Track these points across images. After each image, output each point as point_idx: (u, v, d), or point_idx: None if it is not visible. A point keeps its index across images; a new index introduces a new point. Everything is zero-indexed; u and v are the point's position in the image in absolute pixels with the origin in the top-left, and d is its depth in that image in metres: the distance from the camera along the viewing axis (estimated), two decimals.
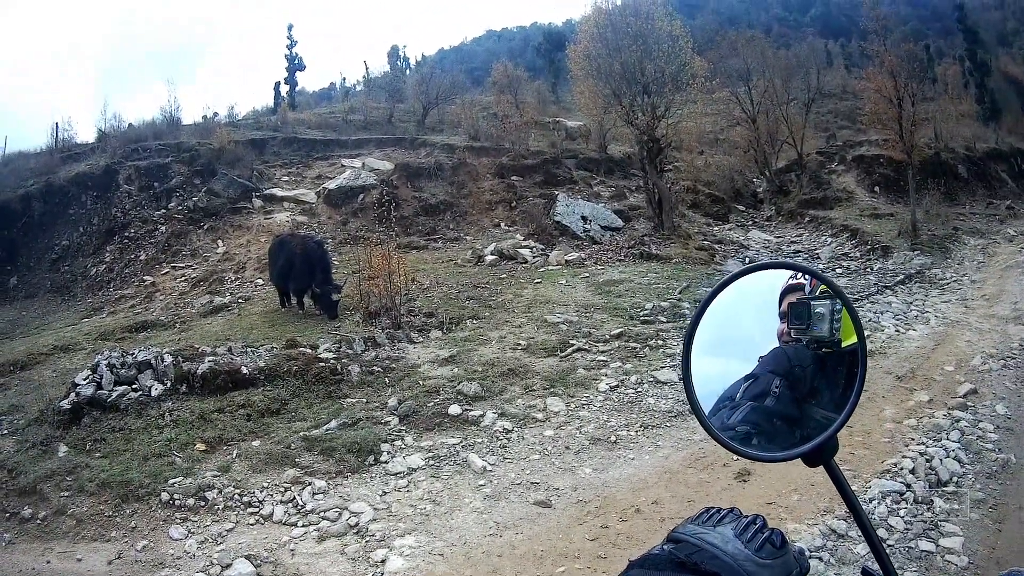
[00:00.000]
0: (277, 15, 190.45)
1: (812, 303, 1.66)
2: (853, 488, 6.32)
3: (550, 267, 16.53)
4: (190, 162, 22.72)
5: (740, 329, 1.82)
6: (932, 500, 7.27)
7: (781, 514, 6.91)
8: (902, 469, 7.79)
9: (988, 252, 21.93)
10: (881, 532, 6.67)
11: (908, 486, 7.41)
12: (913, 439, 8.70)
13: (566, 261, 16.96)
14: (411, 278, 14.01)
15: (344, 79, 59.30)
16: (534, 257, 17.47)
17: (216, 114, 31.88)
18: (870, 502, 7.16)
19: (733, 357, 1.77)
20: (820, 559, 6.19)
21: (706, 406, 1.70)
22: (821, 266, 19.99)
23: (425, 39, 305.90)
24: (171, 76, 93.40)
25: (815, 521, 6.77)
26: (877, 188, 28.40)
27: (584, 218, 19.90)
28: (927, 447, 8.41)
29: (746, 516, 1.29)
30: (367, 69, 51.03)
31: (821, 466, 1.56)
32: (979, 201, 30.43)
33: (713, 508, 1.36)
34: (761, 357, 1.74)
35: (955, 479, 7.75)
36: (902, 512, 7.02)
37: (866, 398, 9.75)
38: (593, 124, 27.72)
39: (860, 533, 5.36)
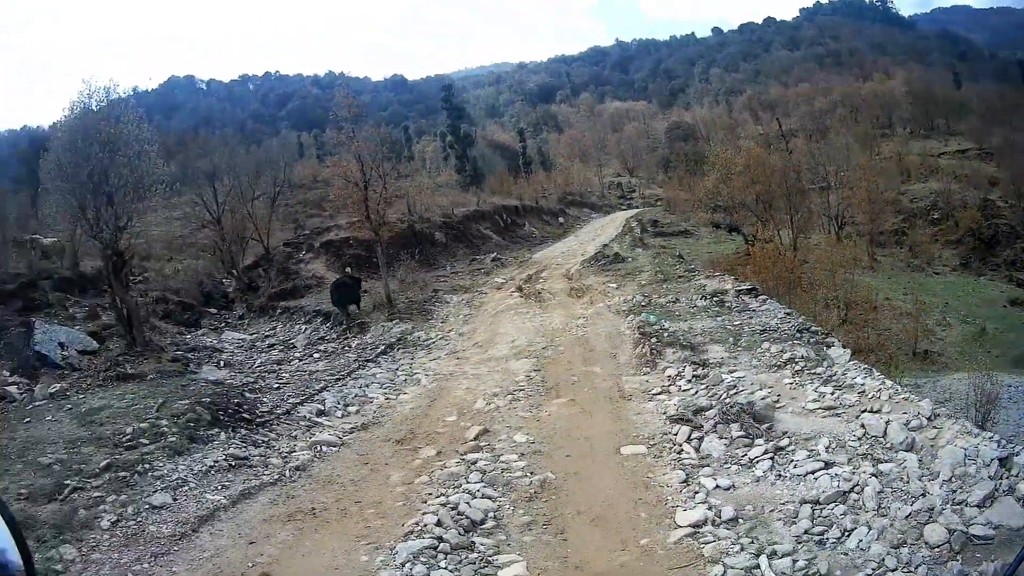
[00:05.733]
0: None
1: None
2: (380, 559, 7.75)
3: (37, 403, 15.98)
4: None
5: None
6: (473, 542, 8.01)
7: None
8: (426, 525, 8.36)
9: (474, 304, 24.51)
10: None
11: (440, 538, 8.00)
12: (431, 494, 9.46)
13: (51, 394, 16.51)
14: None
15: None
16: (21, 394, 16.77)
17: None
18: (402, 566, 7.57)
19: None
20: None
21: None
22: (298, 354, 21.24)
23: None
24: None
25: None
26: (349, 268, 30.13)
27: (62, 344, 19.56)
28: (448, 496, 9.16)
29: None
30: None
31: None
32: (461, 260, 34.57)
33: None
34: None
35: (490, 515, 8.60)
36: (443, 564, 7.60)
37: (368, 470, 11.02)
38: (67, 240, 27.06)
39: None
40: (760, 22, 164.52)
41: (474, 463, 10.43)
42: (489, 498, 9.11)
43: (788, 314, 16.70)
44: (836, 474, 8.51)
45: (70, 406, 15.38)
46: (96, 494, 10.53)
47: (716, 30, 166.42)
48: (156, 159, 21.97)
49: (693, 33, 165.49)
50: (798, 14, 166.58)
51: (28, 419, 14.72)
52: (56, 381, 17.84)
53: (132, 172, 20.64)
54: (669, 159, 75.03)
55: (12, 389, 17.21)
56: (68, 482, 11.09)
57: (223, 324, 27.22)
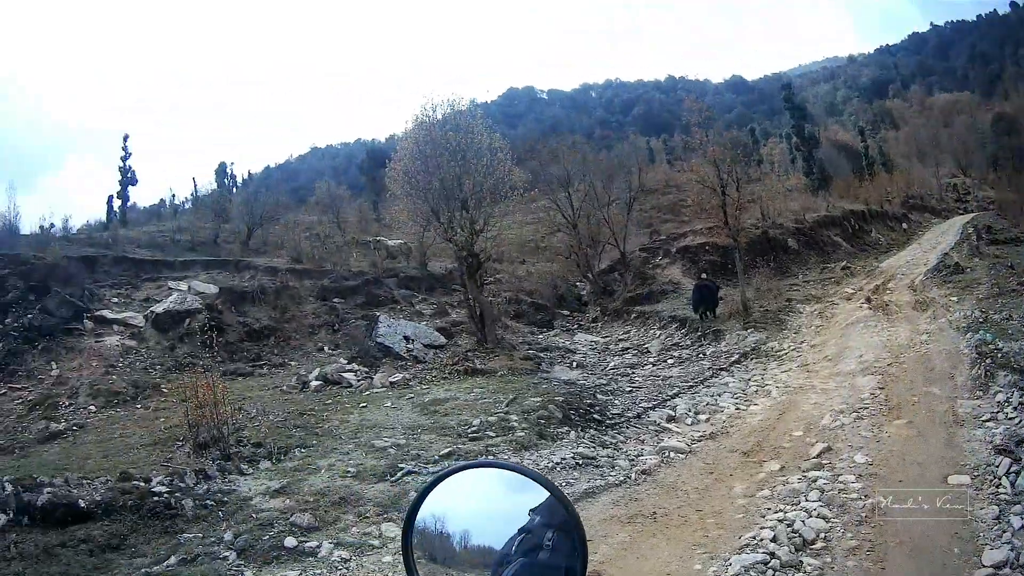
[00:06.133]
0: (117, 123, 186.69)
1: None
2: (712, 570, 7.58)
3: (375, 390, 16.93)
4: (26, 276, 22.02)
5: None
6: (801, 561, 7.69)
7: None
8: (762, 540, 8.17)
9: (826, 315, 23.03)
10: None
11: (772, 554, 7.77)
12: (769, 508, 9.19)
13: (391, 383, 17.40)
14: (238, 407, 14.28)
15: (174, 195, 58.92)
16: (359, 380, 17.78)
17: (52, 225, 30.98)
18: None
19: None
20: None
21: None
22: (651, 359, 20.83)
23: (253, 156, 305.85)
24: (12, 181, 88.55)
25: None
26: (704, 275, 28.72)
27: (407, 338, 20.56)
28: (786, 513, 8.88)
29: None
30: (195, 186, 51.16)
31: None
32: (813, 268, 32.52)
33: None
34: (531, 510, 1.86)
35: (822, 535, 8.23)
36: None
37: (712, 480, 10.79)
38: (413, 242, 28.80)
39: None
40: None
41: (815, 481, 9.97)
42: (823, 518, 8.71)
43: None
44: None
45: (411, 395, 16.04)
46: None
47: (1013, 4, 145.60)
48: (510, 165, 22.58)
49: (995, 10, 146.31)
50: None
51: (364, 404, 15.44)
52: (397, 371, 18.72)
53: (487, 178, 21.39)
54: (997, 155, 66.70)
55: (349, 376, 18.20)
56: (402, 465, 11.42)
57: (576, 326, 27.40)
